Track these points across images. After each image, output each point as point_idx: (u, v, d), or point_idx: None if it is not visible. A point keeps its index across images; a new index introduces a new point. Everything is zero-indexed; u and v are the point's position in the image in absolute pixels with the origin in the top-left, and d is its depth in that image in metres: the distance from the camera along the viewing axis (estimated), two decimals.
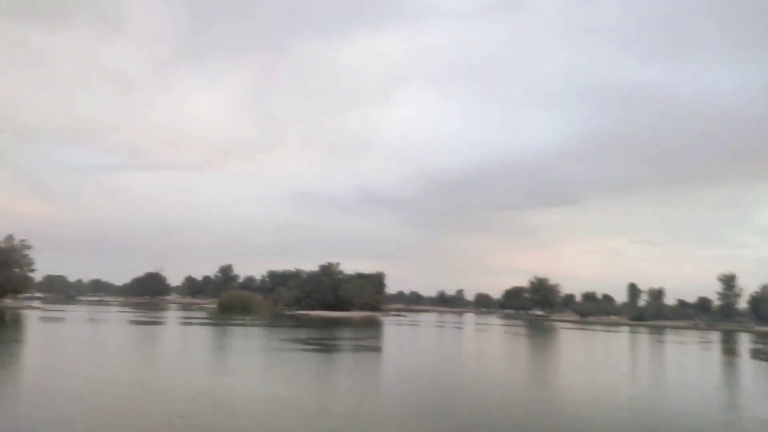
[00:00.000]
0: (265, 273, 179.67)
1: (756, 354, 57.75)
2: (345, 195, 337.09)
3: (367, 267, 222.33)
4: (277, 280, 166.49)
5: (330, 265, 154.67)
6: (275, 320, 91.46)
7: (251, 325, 73.72)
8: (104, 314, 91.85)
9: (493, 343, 66.05)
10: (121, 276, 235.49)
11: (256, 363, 34.74)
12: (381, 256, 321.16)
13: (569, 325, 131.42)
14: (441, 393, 25.66)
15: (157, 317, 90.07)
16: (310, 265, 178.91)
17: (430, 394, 24.99)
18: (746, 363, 49.97)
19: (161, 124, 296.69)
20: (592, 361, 48.71)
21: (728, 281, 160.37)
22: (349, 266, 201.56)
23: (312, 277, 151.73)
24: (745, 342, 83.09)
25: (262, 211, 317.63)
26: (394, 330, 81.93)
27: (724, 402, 27.03)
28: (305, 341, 51.41)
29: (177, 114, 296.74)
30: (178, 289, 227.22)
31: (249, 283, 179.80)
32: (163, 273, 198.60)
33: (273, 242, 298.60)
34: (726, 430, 20.01)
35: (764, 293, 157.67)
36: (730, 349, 67.47)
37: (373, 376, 31.39)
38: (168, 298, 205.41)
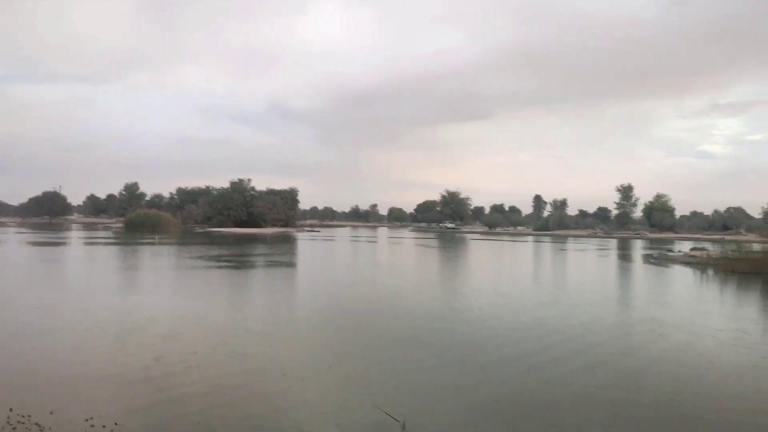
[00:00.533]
0: (173, 191, 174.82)
1: (647, 259, 62.06)
2: (255, 109, 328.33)
3: (280, 183, 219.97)
4: (187, 198, 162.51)
5: (241, 181, 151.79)
6: (186, 238, 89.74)
7: (161, 244, 72.07)
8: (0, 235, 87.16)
9: (405, 255, 67.71)
10: (17, 196, 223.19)
11: (167, 281, 34.13)
12: (293, 172, 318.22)
13: (478, 236, 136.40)
14: (356, 306, 26.17)
15: (60, 237, 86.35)
16: (220, 182, 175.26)
17: (345, 308, 25.42)
18: (639, 267, 53.71)
19: (53, 32, 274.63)
20: (497, 269, 50.99)
21: (625, 192, 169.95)
22: (261, 183, 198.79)
23: (223, 194, 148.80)
24: (638, 248, 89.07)
25: (166, 126, 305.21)
26: (308, 245, 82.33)
27: (618, 302, 29.07)
28: (218, 258, 50.88)
29: (69, 21, 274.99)
30: (80, 209, 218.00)
31: (156, 201, 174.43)
32: (63, 192, 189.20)
33: (180, 159, 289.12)
34: (619, 326, 21.56)
35: (657, 202, 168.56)
36: (624, 255, 72.19)
37: (287, 291, 31.58)
38: (70, 218, 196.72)
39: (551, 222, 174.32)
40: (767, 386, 13.84)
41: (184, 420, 10.73)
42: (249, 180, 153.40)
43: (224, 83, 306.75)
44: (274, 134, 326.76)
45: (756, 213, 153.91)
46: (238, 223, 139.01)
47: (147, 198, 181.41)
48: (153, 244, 71.76)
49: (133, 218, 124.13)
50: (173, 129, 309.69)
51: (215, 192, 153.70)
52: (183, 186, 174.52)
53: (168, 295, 27.62)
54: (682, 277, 43.47)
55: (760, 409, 12.25)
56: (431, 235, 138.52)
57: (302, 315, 23.52)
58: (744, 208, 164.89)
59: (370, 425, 10.39)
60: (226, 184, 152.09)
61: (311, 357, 15.81)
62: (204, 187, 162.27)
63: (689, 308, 26.44)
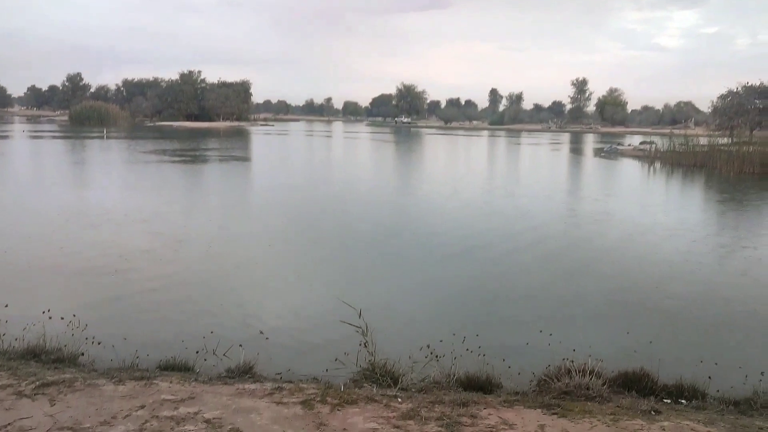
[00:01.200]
0: (119, 82, 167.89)
1: (598, 153, 63.48)
2: None
3: (232, 75, 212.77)
4: (134, 90, 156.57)
5: (191, 73, 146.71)
6: (136, 132, 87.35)
7: (111, 138, 70.11)
8: None
9: (360, 150, 67.63)
10: None
11: (119, 176, 33.59)
12: (245, 63, 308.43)
13: (434, 130, 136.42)
14: (311, 201, 26.39)
15: (1, 131, 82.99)
16: (169, 73, 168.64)
17: (299, 203, 25.62)
18: (589, 161, 55.02)
19: None
20: (454, 165, 51.59)
21: (580, 86, 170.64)
22: (212, 75, 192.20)
23: (172, 86, 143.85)
24: (590, 142, 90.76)
25: (109, 13, 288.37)
26: (262, 140, 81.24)
27: (569, 195, 30.02)
28: (170, 153, 49.97)
29: None
30: (21, 101, 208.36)
31: (102, 93, 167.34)
32: (1, 83, 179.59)
33: (125, 49, 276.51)
34: (568, 217, 22.43)
35: (610, 96, 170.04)
36: (576, 149, 73.62)
37: (243, 187, 31.52)
38: (11, 110, 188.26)
39: (507, 116, 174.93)
40: (694, 267, 14.87)
41: (141, 312, 10.99)
42: (199, 72, 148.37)
43: None
44: (224, 23, 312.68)
45: (705, 107, 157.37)
46: (190, 117, 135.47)
47: (92, 90, 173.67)
48: (102, 138, 69.71)
49: (79, 111, 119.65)
50: (115, 16, 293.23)
51: (164, 84, 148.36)
52: (130, 78, 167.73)
53: (122, 191, 27.29)
54: (630, 170, 44.84)
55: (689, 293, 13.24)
56: (387, 130, 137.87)
57: (260, 212, 23.66)
58: (694, 102, 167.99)
59: (330, 313, 10.86)
60: (175, 76, 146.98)
61: (272, 253, 16.15)
62: (152, 79, 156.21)
63: (635, 201, 27.52)
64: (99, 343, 8.54)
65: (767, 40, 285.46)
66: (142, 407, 6.13)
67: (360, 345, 8.01)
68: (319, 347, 9.35)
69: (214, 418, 5.92)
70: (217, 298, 11.71)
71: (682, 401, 7.59)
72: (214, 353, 8.52)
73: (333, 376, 7.98)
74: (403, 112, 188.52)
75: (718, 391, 7.79)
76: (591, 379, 7.51)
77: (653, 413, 6.60)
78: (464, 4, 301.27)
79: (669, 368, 8.13)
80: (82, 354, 8.22)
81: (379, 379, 7.65)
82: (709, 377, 8.00)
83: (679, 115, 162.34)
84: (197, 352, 8.57)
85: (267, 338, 9.18)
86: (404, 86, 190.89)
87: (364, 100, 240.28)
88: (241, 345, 8.66)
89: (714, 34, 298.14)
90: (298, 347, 9.38)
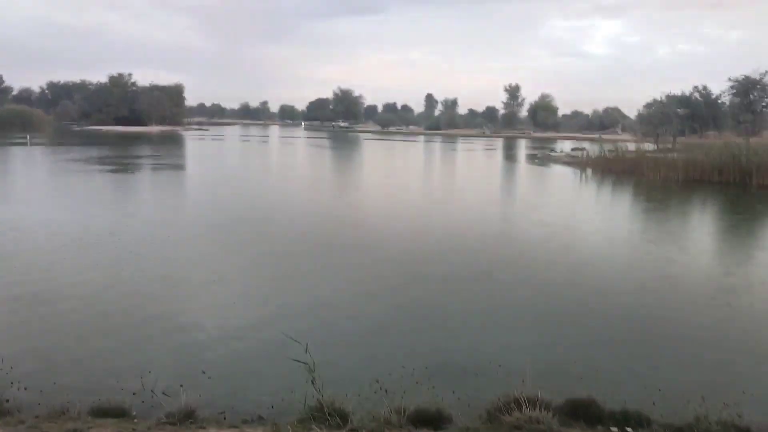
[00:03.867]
0: (43, 84, 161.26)
1: (531, 159, 64.86)
2: None
3: (164, 78, 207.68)
4: (60, 93, 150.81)
5: (121, 76, 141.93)
6: (63, 138, 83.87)
7: (35, 144, 66.98)
8: None
9: (297, 155, 66.97)
10: None
11: (43, 187, 32.06)
12: (178, 67, 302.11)
13: (371, 135, 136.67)
14: (248, 209, 25.85)
15: None
16: (97, 76, 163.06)
17: (235, 211, 25.04)
18: (523, 168, 56.16)
19: None
20: (390, 168, 51.70)
21: (512, 92, 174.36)
22: (144, 78, 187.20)
23: (101, 89, 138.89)
24: (523, 147, 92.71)
25: (31, 12, 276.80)
26: (196, 145, 79.39)
27: (504, 204, 30.49)
28: (100, 160, 48.13)
29: None
30: None
31: (25, 96, 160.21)
32: None
33: (49, 49, 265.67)
34: (504, 222, 22.73)
35: (541, 102, 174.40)
36: (510, 155, 75.07)
37: (179, 197, 30.60)
38: None
39: (442, 121, 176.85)
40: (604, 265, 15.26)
41: (71, 348, 10.39)
42: (130, 75, 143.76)
43: None
44: (156, 25, 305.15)
45: (631, 113, 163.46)
46: (120, 121, 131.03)
47: (14, 92, 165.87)
48: (25, 144, 66.52)
49: (0, 115, 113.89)
50: (38, 15, 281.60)
51: (92, 87, 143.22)
52: (55, 80, 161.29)
53: (46, 204, 25.98)
54: (562, 177, 45.98)
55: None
56: (324, 134, 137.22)
57: (195, 224, 22.92)
58: (620, 107, 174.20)
59: (275, 344, 10.53)
60: (103, 79, 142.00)
61: (204, 268, 15.63)
62: (79, 81, 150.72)
63: (567, 208, 28.14)
64: (26, 389, 7.98)
65: (686, 50, 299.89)
66: None
67: (307, 382, 7.74)
68: (264, 381, 8.99)
69: None
70: (151, 330, 11.18)
71: (629, 429, 7.68)
72: (152, 393, 8.10)
73: (280, 413, 7.71)
74: (340, 117, 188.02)
75: (662, 416, 7.92)
76: (541, 411, 7.52)
77: None
78: (397, 10, 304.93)
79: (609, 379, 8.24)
80: (7, 401, 7.66)
81: (327, 418, 7.42)
82: (653, 403, 8.15)
83: (607, 119, 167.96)
84: (134, 394, 8.12)
85: (209, 378, 8.79)
86: (341, 90, 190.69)
87: (301, 104, 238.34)
88: (181, 385, 8.27)
89: (636, 42, 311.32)
90: (242, 382, 8.99)
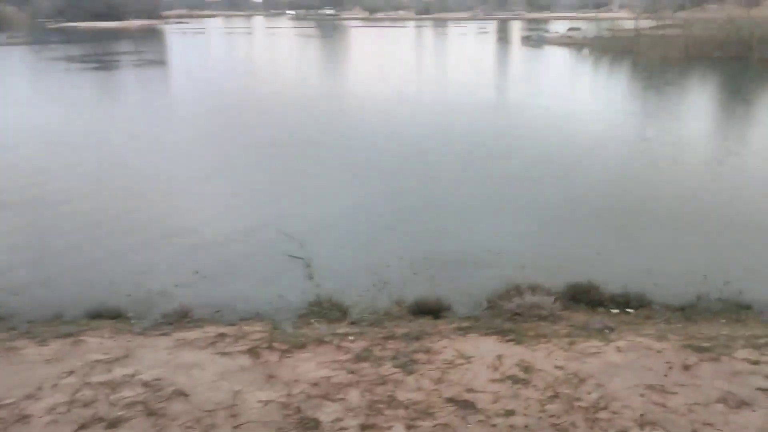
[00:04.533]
0: None
1: (525, 41, 62.84)
2: None
3: None
4: None
5: None
6: (39, 36, 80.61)
7: (11, 44, 64.34)
8: None
9: (282, 48, 64.77)
10: None
11: (24, 89, 31.02)
12: None
13: (359, 23, 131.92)
14: (237, 109, 25.14)
15: None
16: None
17: (221, 114, 24.36)
18: (518, 50, 54.49)
19: None
20: (380, 57, 50.12)
21: None
22: None
23: None
24: (516, 30, 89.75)
25: None
26: (178, 40, 76.54)
27: (498, 85, 29.69)
28: (79, 59, 46.30)
29: None
30: None
31: None
32: None
33: None
34: (498, 105, 22.18)
35: None
36: (503, 38, 72.76)
37: (160, 96, 29.66)
38: None
39: (432, 5, 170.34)
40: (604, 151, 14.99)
41: (63, 253, 10.17)
42: None
43: None
44: None
45: None
46: (97, 16, 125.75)
47: None
48: (2, 44, 63.93)
49: None
50: None
51: None
52: None
53: (33, 106, 25.19)
54: (559, 59, 44.66)
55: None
56: (310, 24, 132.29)
57: (189, 123, 22.30)
58: None
59: (270, 240, 10.33)
60: None
61: (199, 169, 15.25)
62: None
63: (565, 93, 27.42)
64: (17, 295, 7.83)
65: None
66: (72, 372, 5.59)
67: (304, 277, 7.62)
68: (262, 279, 8.82)
69: (153, 380, 5.45)
70: (145, 229, 10.92)
71: (630, 310, 7.64)
72: (147, 296, 8.00)
73: (278, 310, 7.59)
74: (325, 4, 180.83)
75: (663, 296, 7.87)
76: (542, 296, 7.44)
77: (607, 331, 6.58)
78: None
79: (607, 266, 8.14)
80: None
81: (327, 312, 7.34)
82: (655, 284, 8.08)
83: None
84: (129, 295, 8.00)
85: (204, 276, 8.62)
86: None
87: None
88: (176, 285, 8.14)
89: None
90: (238, 280, 8.82)
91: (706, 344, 6.14)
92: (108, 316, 7.46)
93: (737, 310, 7.51)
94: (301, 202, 12.16)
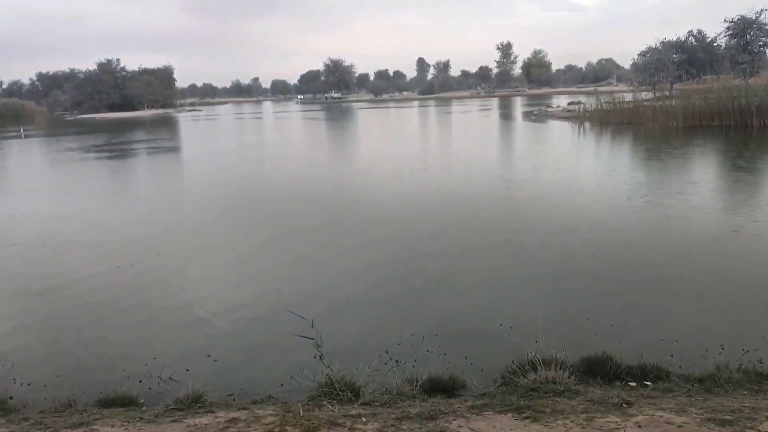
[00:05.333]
0: (33, 76, 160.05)
1: (528, 116, 64.22)
2: None
3: (153, 61, 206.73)
4: (50, 84, 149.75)
5: (109, 62, 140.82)
6: (57, 128, 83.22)
7: (29, 136, 66.48)
8: None
9: (294, 132, 66.40)
10: None
11: (41, 179, 31.79)
12: (166, 48, 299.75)
13: (365, 104, 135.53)
14: (247, 190, 25.58)
15: None
16: (85, 63, 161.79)
17: (236, 194, 24.79)
18: (521, 125, 55.59)
19: None
20: (385, 136, 51.22)
21: (505, 50, 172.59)
22: (132, 62, 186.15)
23: (90, 77, 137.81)
24: (518, 106, 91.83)
25: (13, 3, 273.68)
26: (190, 126, 78.76)
27: (508, 161, 30.09)
28: (96, 148, 47.70)
29: None
30: None
31: (16, 89, 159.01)
32: None
33: (36, 40, 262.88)
34: (501, 175, 22.41)
35: (535, 58, 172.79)
36: (507, 114, 74.36)
37: (180, 180, 30.30)
38: None
39: (435, 85, 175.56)
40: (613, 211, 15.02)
41: (73, 337, 10.20)
42: (118, 60, 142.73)
43: None
44: (139, 6, 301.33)
45: (625, 63, 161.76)
46: (112, 107, 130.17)
47: (4, 86, 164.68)
48: (20, 137, 66.00)
49: None
50: (21, 5, 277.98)
51: (82, 75, 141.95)
52: (44, 71, 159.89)
53: (51, 195, 25.75)
54: (561, 132, 45.47)
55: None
56: (317, 107, 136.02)
57: (201, 205, 22.68)
58: (614, 58, 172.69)
59: (280, 321, 10.34)
60: (92, 66, 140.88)
61: (208, 252, 15.41)
62: (68, 71, 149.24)
63: (571, 161, 27.76)
64: (29, 384, 7.81)
65: None
66: None
67: (315, 357, 7.56)
68: (272, 360, 8.80)
69: None
70: (156, 312, 10.98)
71: (648, 383, 7.50)
72: (159, 379, 7.95)
73: (290, 391, 7.54)
74: (332, 88, 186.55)
75: (680, 367, 7.74)
76: (557, 371, 7.33)
77: (625, 405, 6.45)
78: None
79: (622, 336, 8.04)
80: (11, 398, 7.49)
81: (339, 393, 7.25)
82: (671, 355, 7.97)
83: (602, 72, 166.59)
84: (140, 381, 7.97)
85: (215, 360, 8.60)
86: (332, 61, 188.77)
87: (293, 78, 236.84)
88: (188, 369, 8.10)
89: None
90: (250, 363, 8.80)
91: (728, 417, 5.99)
92: (120, 403, 7.40)
93: (758, 380, 7.35)
94: (311, 281, 12.22)
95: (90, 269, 13.67)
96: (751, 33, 59.50)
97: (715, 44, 67.48)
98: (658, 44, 66.63)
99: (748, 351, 7.81)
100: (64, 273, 13.48)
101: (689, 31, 70.10)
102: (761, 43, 60.18)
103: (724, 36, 62.40)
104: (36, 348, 9.56)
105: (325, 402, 7.09)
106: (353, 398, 7.15)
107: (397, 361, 7.71)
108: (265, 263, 13.87)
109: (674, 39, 68.61)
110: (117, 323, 10.45)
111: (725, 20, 60.23)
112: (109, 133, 67.85)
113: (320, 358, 7.51)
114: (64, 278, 13.10)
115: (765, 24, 58.87)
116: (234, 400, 7.54)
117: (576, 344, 8.23)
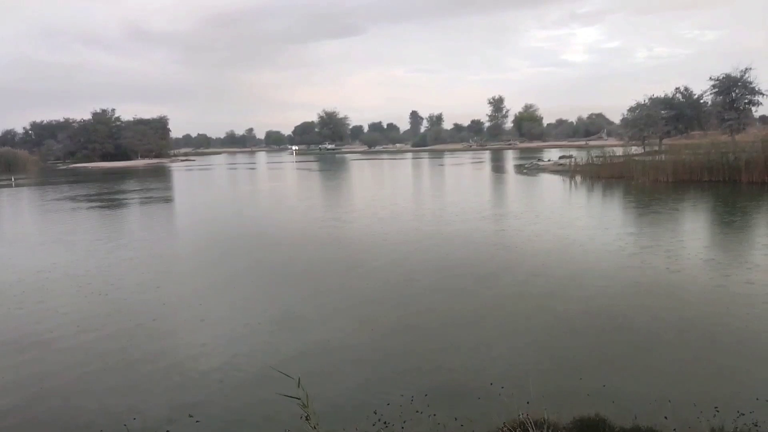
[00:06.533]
0: (26, 125, 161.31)
1: (520, 169, 64.82)
2: (107, 32, 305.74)
3: (148, 112, 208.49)
4: (44, 133, 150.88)
5: (104, 112, 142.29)
6: (49, 177, 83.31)
7: (21, 185, 66.43)
8: None
9: (285, 180, 66.71)
10: None
11: (31, 228, 31.58)
12: (161, 99, 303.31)
13: (358, 155, 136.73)
14: (242, 239, 25.44)
15: None
16: (80, 113, 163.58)
17: (228, 243, 24.65)
18: (513, 178, 56.05)
19: None
20: (377, 188, 51.43)
21: (497, 104, 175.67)
22: (127, 112, 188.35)
23: (85, 126, 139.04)
24: (510, 159, 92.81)
25: (7, 52, 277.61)
26: (184, 176, 79.00)
27: (501, 215, 30.15)
28: (87, 198, 47.65)
29: None
30: None
31: (9, 138, 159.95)
32: None
33: (30, 89, 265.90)
34: (492, 229, 22.38)
35: (526, 113, 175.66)
36: (499, 167, 75.06)
37: (170, 232, 30.16)
38: None
39: (428, 137, 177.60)
40: (599, 258, 14.93)
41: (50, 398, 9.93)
42: (113, 110, 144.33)
43: (66, 2, 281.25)
44: (136, 59, 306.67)
45: (615, 118, 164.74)
46: (106, 157, 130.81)
47: None
48: (11, 186, 65.96)
49: None
50: (15, 55, 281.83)
51: (76, 125, 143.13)
52: (38, 120, 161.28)
53: (38, 246, 25.52)
54: (553, 185, 45.82)
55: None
56: (311, 157, 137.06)
57: (191, 256, 22.52)
58: (604, 113, 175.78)
59: (265, 379, 10.10)
60: (87, 116, 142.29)
61: (192, 306, 15.19)
62: (62, 120, 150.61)
63: (563, 215, 27.84)
64: None
65: (661, 52, 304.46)
66: None
67: (301, 418, 7.33)
68: (257, 419, 8.55)
69: None
70: (136, 371, 10.71)
71: None
72: None
73: None
74: (326, 139, 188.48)
75: (674, 430, 7.57)
76: None
77: None
78: (377, 31, 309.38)
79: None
80: None
81: None
82: (665, 417, 7.80)
83: (592, 126, 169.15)
84: None
85: (197, 421, 8.36)
86: (326, 113, 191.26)
87: (287, 128, 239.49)
88: (168, 431, 7.87)
89: (615, 48, 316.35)
90: (233, 423, 8.55)
91: None
92: None
93: None
94: (296, 338, 12.01)
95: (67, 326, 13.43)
96: (737, 91, 60.76)
97: (701, 101, 68.86)
98: (646, 100, 67.94)
99: (743, 414, 7.66)
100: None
101: (676, 88, 71.67)
102: (746, 101, 61.39)
103: (710, 93, 63.72)
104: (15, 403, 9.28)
105: None
106: None
107: (385, 423, 7.49)
108: (250, 319, 13.65)
109: (662, 95, 70.07)
110: (91, 373, 10.19)
111: (711, 78, 61.63)
112: (100, 182, 67.92)
113: (306, 418, 7.30)
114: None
115: (750, 82, 60.21)
116: None
117: (569, 405, 8.05)
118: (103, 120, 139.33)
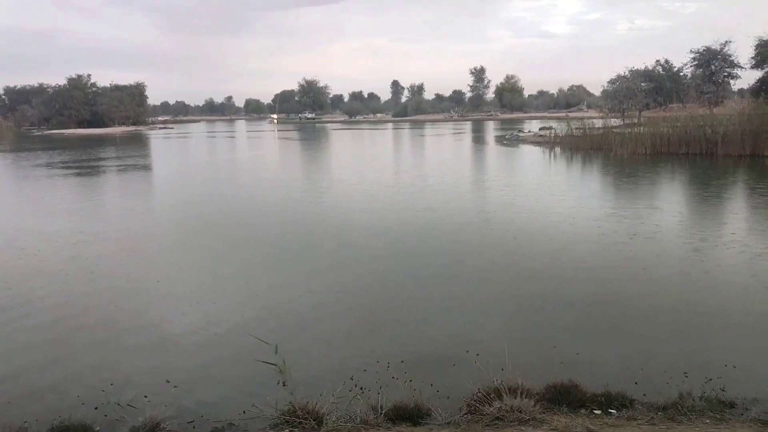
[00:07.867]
0: (0, 90, 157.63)
1: (500, 140, 64.94)
2: None
3: (125, 78, 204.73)
4: (17, 98, 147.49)
5: (80, 77, 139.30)
6: (23, 143, 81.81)
7: None
8: None
9: (264, 149, 66.21)
10: None
11: (5, 195, 31.13)
12: (139, 66, 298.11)
13: (339, 125, 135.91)
14: (217, 208, 25.32)
15: None
16: (55, 78, 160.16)
17: (205, 211, 24.51)
18: (493, 149, 56.15)
19: None
20: (358, 157, 51.30)
21: (478, 74, 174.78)
22: (104, 78, 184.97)
23: (60, 92, 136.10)
24: (491, 130, 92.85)
25: None
26: (162, 144, 78.03)
27: (479, 185, 30.28)
28: (63, 165, 46.92)
29: None
30: None
31: None
32: None
33: (4, 54, 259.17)
34: (471, 198, 22.50)
35: (507, 84, 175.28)
36: (479, 138, 75.11)
37: (142, 198, 29.89)
38: None
39: (409, 107, 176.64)
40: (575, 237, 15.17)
41: (25, 361, 9.90)
42: (89, 76, 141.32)
43: None
44: (112, 24, 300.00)
45: (596, 90, 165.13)
46: (82, 123, 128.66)
47: None
48: None
49: None
50: None
51: (51, 90, 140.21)
52: (11, 84, 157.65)
53: (14, 212, 25.18)
54: (533, 156, 46.01)
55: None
56: (291, 127, 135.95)
57: (169, 226, 22.36)
58: (585, 85, 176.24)
59: (243, 346, 10.16)
60: (62, 81, 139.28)
61: (169, 274, 15.15)
62: (37, 85, 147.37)
63: (541, 187, 28.03)
64: None
65: (643, 24, 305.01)
66: None
67: (278, 383, 7.40)
68: (234, 386, 8.62)
69: None
70: (113, 339, 10.70)
71: (612, 411, 7.49)
72: (117, 405, 7.70)
73: (251, 419, 7.37)
74: (306, 108, 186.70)
75: (644, 395, 7.74)
76: (522, 399, 7.28)
77: None
78: None
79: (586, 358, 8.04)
80: None
81: (301, 421, 7.10)
82: (636, 382, 7.99)
83: (572, 98, 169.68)
84: (96, 408, 7.71)
85: (175, 386, 8.39)
86: (306, 82, 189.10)
87: (267, 98, 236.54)
88: (146, 396, 7.88)
89: (596, 19, 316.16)
90: (211, 388, 8.60)
91: None
92: (74, 430, 7.15)
93: (721, 408, 7.38)
94: (276, 305, 12.06)
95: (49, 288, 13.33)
96: (716, 64, 61.19)
97: (681, 74, 69.30)
98: (627, 72, 68.22)
99: (711, 379, 7.85)
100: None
101: (657, 61, 72.02)
102: (725, 74, 61.87)
103: (690, 66, 64.15)
104: None
105: (287, 430, 6.95)
106: (316, 426, 7.01)
107: (362, 388, 7.58)
108: (230, 286, 13.67)
109: (642, 68, 70.35)
110: (67, 343, 10.17)
111: (691, 51, 61.99)
112: (77, 149, 66.87)
113: (283, 384, 7.36)
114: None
115: (729, 55, 60.62)
116: (194, 427, 7.38)
117: (541, 373, 8.20)
118: (78, 86, 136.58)
